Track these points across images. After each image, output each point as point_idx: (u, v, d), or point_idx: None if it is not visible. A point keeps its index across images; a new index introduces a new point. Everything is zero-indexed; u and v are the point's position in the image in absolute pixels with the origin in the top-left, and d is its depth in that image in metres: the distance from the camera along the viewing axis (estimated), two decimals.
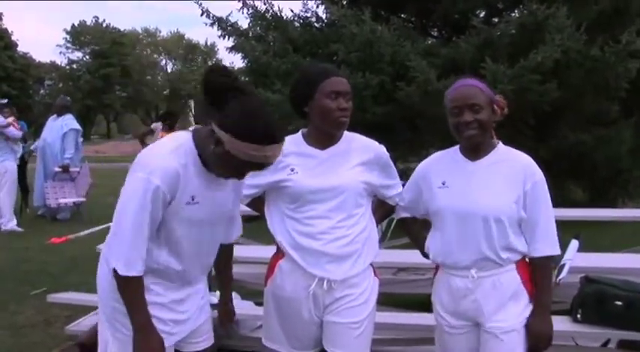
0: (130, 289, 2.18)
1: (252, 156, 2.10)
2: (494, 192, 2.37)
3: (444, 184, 2.48)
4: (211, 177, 2.26)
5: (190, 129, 2.31)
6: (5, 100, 9.91)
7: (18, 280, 6.09)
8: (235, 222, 2.56)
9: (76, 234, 8.26)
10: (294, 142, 2.54)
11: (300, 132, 2.61)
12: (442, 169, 2.53)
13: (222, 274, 2.70)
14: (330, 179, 2.43)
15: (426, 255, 2.63)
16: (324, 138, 2.53)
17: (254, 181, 2.55)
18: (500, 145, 2.49)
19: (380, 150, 2.61)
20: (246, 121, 2.09)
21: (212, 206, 2.30)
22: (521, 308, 2.40)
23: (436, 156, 2.64)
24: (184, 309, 2.39)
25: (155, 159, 2.17)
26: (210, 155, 2.18)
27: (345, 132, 2.58)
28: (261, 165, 2.18)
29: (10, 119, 9.31)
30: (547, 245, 2.39)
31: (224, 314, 2.71)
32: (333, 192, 2.43)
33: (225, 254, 2.59)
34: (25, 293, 5.60)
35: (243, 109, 2.11)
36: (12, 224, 9.04)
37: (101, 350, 2.44)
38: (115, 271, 2.16)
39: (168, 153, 2.17)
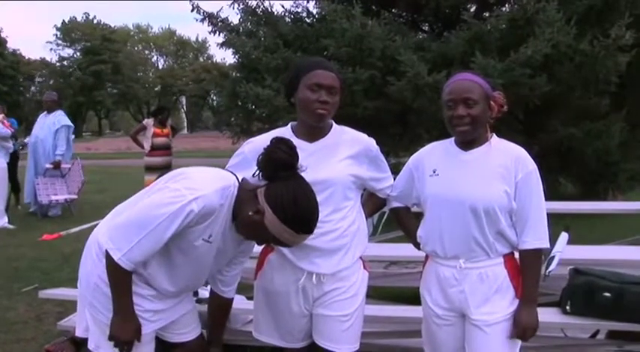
0: (119, 274, 2.23)
1: (282, 237, 2.21)
2: (485, 181, 2.38)
3: (434, 172, 2.49)
4: (232, 227, 2.34)
5: (239, 176, 2.37)
6: None
7: (9, 277, 6.07)
8: (234, 270, 2.62)
9: (67, 231, 8.24)
10: (282, 135, 2.55)
11: (289, 125, 2.61)
12: (435, 158, 2.54)
13: (216, 324, 2.75)
14: (318, 172, 2.42)
15: (417, 245, 2.64)
16: (310, 130, 2.53)
17: (242, 174, 2.56)
18: (494, 137, 2.49)
19: (369, 142, 2.60)
20: (296, 211, 2.19)
21: (218, 249, 2.37)
22: (507, 303, 2.40)
23: (430, 145, 2.65)
24: (165, 301, 2.45)
25: (206, 186, 2.20)
26: (244, 217, 2.25)
27: (335, 126, 2.59)
28: (282, 243, 2.28)
29: (0, 117, 9.27)
30: (536, 238, 2.38)
31: None
32: (321, 186, 2.42)
33: (223, 307, 2.69)
34: (16, 289, 5.58)
35: (297, 198, 2.19)
36: (3, 221, 9.00)
37: (80, 330, 2.49)
38: (108, 254, 2.20)
39: (217, 189, 2.22)
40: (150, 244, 2.18)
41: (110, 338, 2.31)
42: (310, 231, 2.25)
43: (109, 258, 2.20)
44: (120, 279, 2.24)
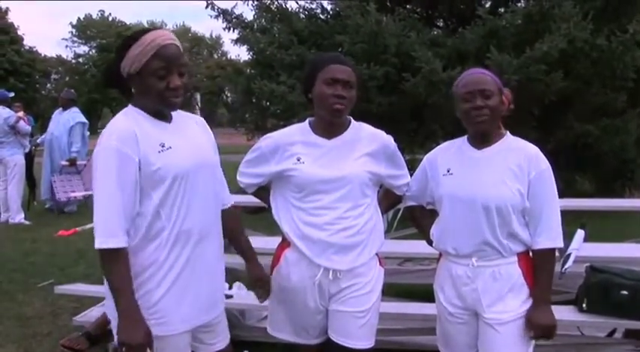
0: (112, 266, 2.06)
1: (144, 53, 2.11)
2: (498, 180, 2.36)
3: (448, 171, 2.48)
4: (172, 125, 2.24)
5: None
6: (12, 94, 9.91)
7: (26, 272, 6.13)
8: (224, 185, 2.50)
9: (82, 227, 8.29)
10: (300, 131, 2.55)
11: (307, 121, 2.60)
12: (449, 157, 2.53)
13: (237, 240, 2.60)
14: (336, 169, 2.44)
15: (431, 243, 2.63)
16: (328, 127, 2.52)
17: (259, 170, 2.57)
18: (508, 135, 2.48)
19: (387, 140, 2.60)
20: (123, 40, 2.20)
21: (190, 149, 2.23)
22: (520, 302, 2.38)
23: (444, 144, 2.65)
24: (195, 278, 2.22)
25: (108, 127, 2.16)
26: (144, 97, 2.18)
27: (353, 122, 2.58)
28: (165, 57, 2.13)
29: (21, 113, 9.39)
30: (549, 237, 2.36)
31: (257, 278, 2.62)
32: (339, 183, 2.43)
33: (230, 221, 2.49)
34: (33, 284, 5.64)
35: (127, 36, 2.22)
36: (20, 217, 9.09)
37: (113, 326, 2.40)
38: (98, 249, 2.06)
39: (119, 117, 2.20)
40: (115, 208, 2.05)
41: (120, 344, 2.11)
42: (143, 29, 2.21)
43: (99, 252, 2.07)
44: (114, 267, 2.06)
